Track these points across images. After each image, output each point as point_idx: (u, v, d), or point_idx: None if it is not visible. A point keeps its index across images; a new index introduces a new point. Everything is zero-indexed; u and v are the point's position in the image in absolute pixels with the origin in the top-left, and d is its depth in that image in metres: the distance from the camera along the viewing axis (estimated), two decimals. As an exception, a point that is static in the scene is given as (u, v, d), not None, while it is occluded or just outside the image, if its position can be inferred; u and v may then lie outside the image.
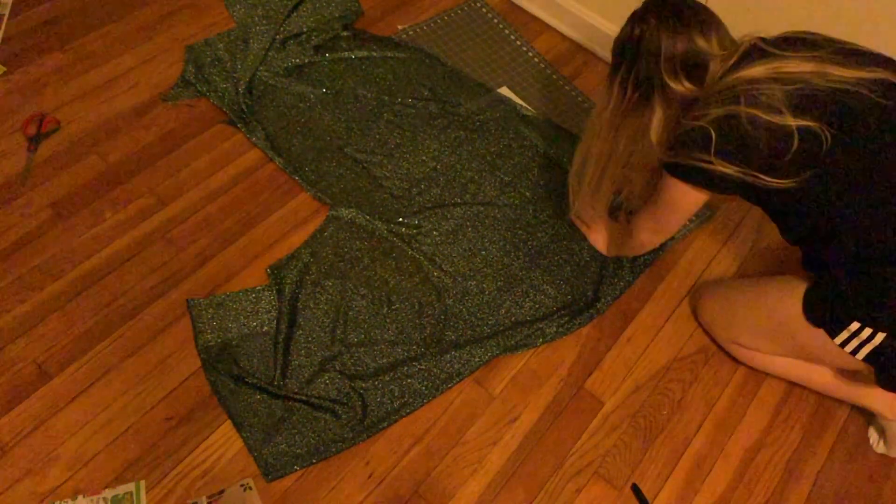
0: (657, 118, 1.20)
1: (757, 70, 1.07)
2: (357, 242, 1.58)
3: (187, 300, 1.46)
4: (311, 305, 1.48)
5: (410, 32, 2.02)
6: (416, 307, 1.50)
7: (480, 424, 1.39)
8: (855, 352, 1.17)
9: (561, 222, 1.65)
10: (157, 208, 1.61)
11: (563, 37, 2.08)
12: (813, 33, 1.15)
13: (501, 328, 1.49)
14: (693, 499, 1.35)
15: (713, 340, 1.52)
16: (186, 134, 1.75)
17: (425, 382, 1.41)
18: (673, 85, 1.14)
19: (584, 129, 1.38)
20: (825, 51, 1.08)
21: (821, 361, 1.32)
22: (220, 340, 1.42)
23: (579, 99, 1.92)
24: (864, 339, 1.15)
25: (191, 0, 2.02)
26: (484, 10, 2.11)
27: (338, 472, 1.31)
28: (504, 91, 1.91)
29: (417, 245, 1.59)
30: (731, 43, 1.16)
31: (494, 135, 1.80)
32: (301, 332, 1.44)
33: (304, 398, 1.36)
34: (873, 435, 1.43)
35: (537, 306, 1.53)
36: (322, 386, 1.38)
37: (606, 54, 2.01)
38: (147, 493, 1.25)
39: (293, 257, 1.54)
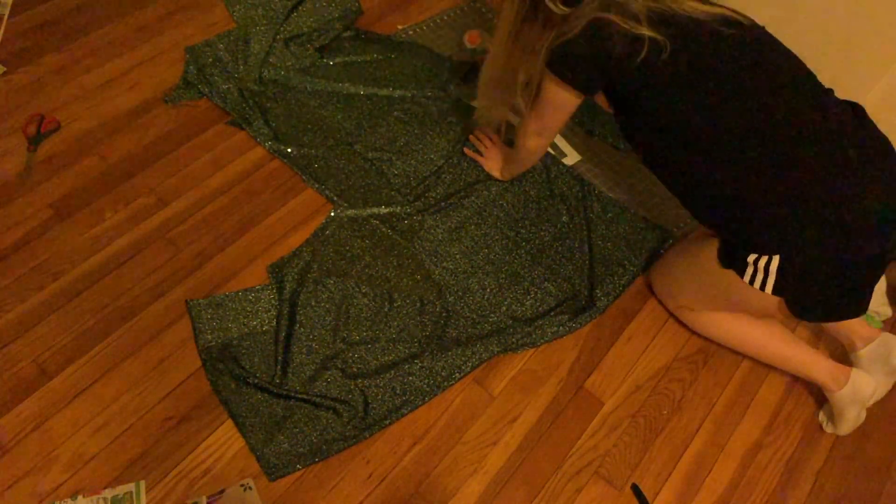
0: (542, 34, 1.27)
1: None
2: (358, 241, 1.58)
3: (186, 301, 1.46)
4: (313, 303, 1.48)
5: (410, 32, 2.02)
6: (418, 305, 1.50)
7: (480, 424, 1.39)
8: (763, 286, 1.22)
9: (563, 220, 1.66)
10: (157, 208, 1.61)
11: (563, 37, 2.08)
12: None
13: (502, 326, 1.49)
14: (693, 499, 1.35)
15: (669, 313, 1.55)
16: (186, 134, 1.75)
17: (426, 380, 1.41)
18: (550, 5, 1.21)
19: (492, 33, 1.45)
20: None
21: (749, 309, 1.37)
22: (220, 340, 1.42)
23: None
24: (764, 267, 1.20)
25: (191, 0, 2.02)
26: (483, 9, 2.11)
27: (338, 472, 1.31)
28: (504, 91, 1.91)
29: (420, 242, 1.59)
30: None
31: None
32: (303, 329, 1.44)
33: (305, 397, 1.36)
34: (822, 417, 1.45)
35: (538, 304, 1.53)
36: (323, 384, 1.38)
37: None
38: (147, 493, 1.25)
39: (294, 256, 1.54)
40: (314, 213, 1.64)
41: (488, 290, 1.54)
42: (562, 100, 1.33)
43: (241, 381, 1.37)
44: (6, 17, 1.91)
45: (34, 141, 1.68)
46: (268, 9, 1.97)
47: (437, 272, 1.55)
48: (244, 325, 1.44)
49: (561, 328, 1.50)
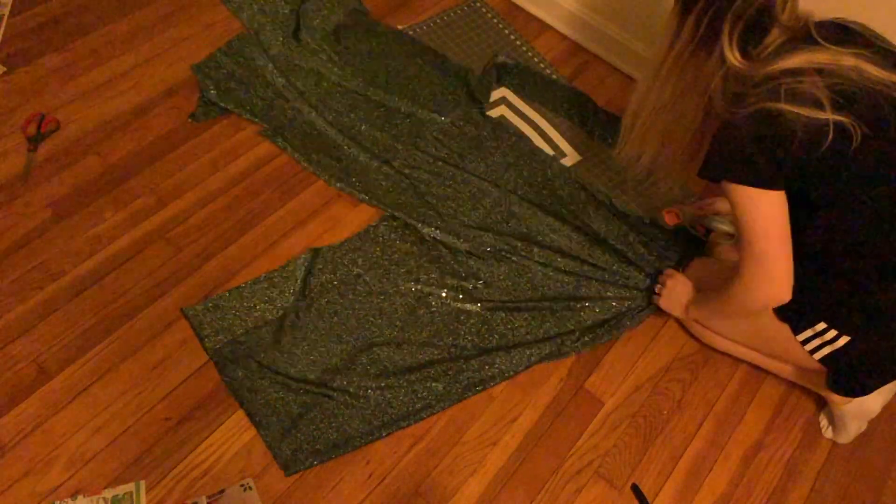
0: (716, 73, 1.09)
1: (798, 60, 1.02)
2: (406, 245, 1.58)
3: (181, 309, 1.45)
4: (350, 296, 1.49)
5: (410, 32, 2.02)
6: (454, 314, 1.50)
7: (480, 424, 1.39)
8: (814, 351, 1.20)
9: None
10: (157, 208, 1.61)
11: (563, 37, 2.08)
12: (863, 25, 1.11)
13: (534, 339, 1.48)
14: (693, 499, 1.35)
15: (674, 318, 1.53)
16: (186, 134, 1.74)
17: (449, 387, 1.41)
18: (728, 53, 1.05)
19: (645, 70, 1.26)
20: (867, 48, 1.04)
21: (777, 355, 1.34)
22: (227, 340, 1.41)
23: (580, 97, 1.92)
24: (827, 340, 1.17)
25: (191, 0, 2.02)
26: (484, 9, 2.11)
27: (338, 472, 1.31)
28: (503, 91, 1.91)
29: (463, 259, 1.57)
30: (797, 16, 1.08)
31: (539, 160, 1.77)
32: (336, 318, 1.45)
33: (325, 392, 1.36)
34: (823, 421, 1.45)
35: (572, 324, 1.51)
36: (348, 377, 1.39)
37: (606, 54, 2.02)
38: (147, 493, 1.25)
39: (341, 246, 1.55)
40: (313, 213, 1.64)
41: (524, 309, 1.52)
42: (760, 210, 1.08)
43: (255, 378, 1.37)
44: (6, 17, 1.91)
45: (34, 141, 1.68)
46: (273, 14, 1.96)
47: (478, 287, 1.53)
48: (246, 321, 1.44)
49: (585, 345, 1.49)
